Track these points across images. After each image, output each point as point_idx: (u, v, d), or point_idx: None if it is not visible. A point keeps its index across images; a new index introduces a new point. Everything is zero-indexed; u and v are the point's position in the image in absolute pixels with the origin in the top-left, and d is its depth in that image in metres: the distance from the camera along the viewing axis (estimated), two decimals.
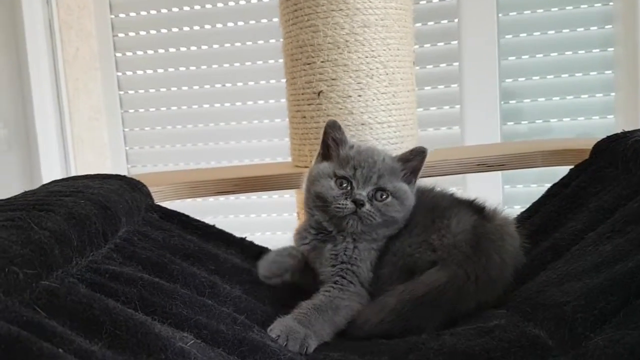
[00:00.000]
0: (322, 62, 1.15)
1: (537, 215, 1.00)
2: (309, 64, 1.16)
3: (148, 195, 1.02)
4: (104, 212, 0.77)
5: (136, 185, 0.98)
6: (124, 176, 1.02)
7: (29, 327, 0.47)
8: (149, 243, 0.83)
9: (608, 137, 1.02)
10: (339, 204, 0.89)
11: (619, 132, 1.03)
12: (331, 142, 0.96)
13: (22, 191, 2.17)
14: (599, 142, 1.03)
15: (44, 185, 0.92)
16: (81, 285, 0.59)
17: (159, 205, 1.03)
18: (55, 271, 0.59)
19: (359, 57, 1.13)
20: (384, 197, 0.91)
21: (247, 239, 1.09)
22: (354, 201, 0.89)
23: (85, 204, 0.73)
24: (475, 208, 0.92)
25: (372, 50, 1.13)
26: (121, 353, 0.52)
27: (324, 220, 0.93)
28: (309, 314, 0.82)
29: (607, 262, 0.71)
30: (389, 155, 0.97)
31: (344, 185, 0.92)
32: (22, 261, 0.53)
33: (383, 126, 1.16)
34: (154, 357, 0.53)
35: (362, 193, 0.90)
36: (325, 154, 0.98)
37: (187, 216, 1.02)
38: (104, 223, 0.75)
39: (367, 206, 0.89)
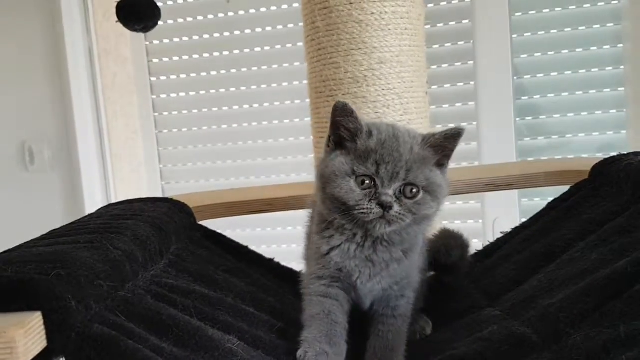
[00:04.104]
0: (343, 94, 1.28)
1: (536, 224, 1.11)
2: (331, 96, 1.29)
3: (191, 215, 1.15)
4: (159, 232, 0.90)
5: (182, 207, 1.11)
6: (171, 199, 1.15)
7: (115, 328, 0.60)
8: (195, 258, 0.96)
9: (605, 160, 1.12)
10: (364, 208, 0.78)
11: (615, 154, 1.13)
12: (345, 133, 0.82)
13: (65, 207, 2.32)
14: (596, 164, 1.13)
15: (103, 208, 1.06)
16: (148, 296, 0.72)
17: (200, 225, 1.16)
18: (127, 284, 0.72)
19: (376, 90, 1.26)
20: (415, 192, 0.79)
21: (276, 259, 1.19)
22: (380, 204, 0.77)
23: (144, 226, 0.87)
24: None
25: (388, 84, 1.26)
26: (184, 351, 0.65)
27: (347, 222, 0.82)
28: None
29: (591, 269, 0.81)
30: (418, 141, 0.82)
31: (367, 183, 0.79)
32: (105, 276, 0.66)
33: None
34: (210, 354, 0.66)
35: (389, 192, 0.78)
36: (338, 142, 0.84)
37: (224, 236, 1.15)
38: (160, 242, 0.88)
39: (396, 207, 0.78)
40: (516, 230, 1.17)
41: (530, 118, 2.17)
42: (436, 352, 0.83)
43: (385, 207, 0.77)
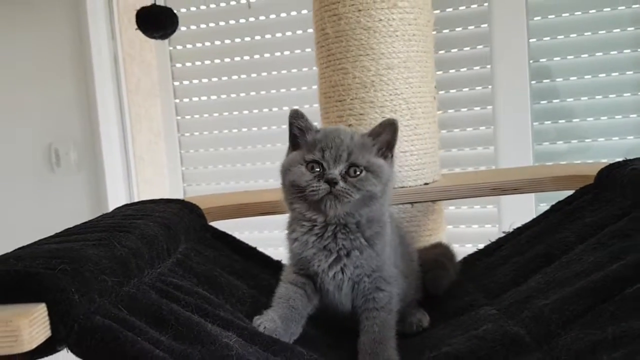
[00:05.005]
0: (351, 99, 1.30)
1: (539, 225, 1.12)
2: (340, 101, 1.32)
3: (202, 216, 1.19)
4: (167, 232, 0.94)
5: (192, 208, 1.15)
6: (183, 200, 1.19)
7: (116, 320, 0.64)
8: (202, 259, 0.99)
9: (610, 165, 1.12)
10: (313, 186, 0.88)
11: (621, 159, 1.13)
12: (297, 131, 0.96)
13: (90, 207, 2.38)
14: (602, 169, 1.13)
15: (118, 208, 1.10)
16: (152, 292, 0.76)
17: (210, 226, 1.19)
18: (133, 279, 0.76)
19: (383, 95, 1.28)
20: (358, 172, 0.90)
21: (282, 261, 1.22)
22: (327, 181, 0.88)
23: (153, 225, 0.91)
24: None
25: (396, 89, 1.28)
26: (182, 344, 0.68)
27: (305, 209, 0.92)
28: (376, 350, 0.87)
29: (587, 271, 0.82)
30: (358, 133, 0.96)
31: (316, 169, 0.90)
32: (110, 271, 0.70)
33: (406, 154, 1.30)
34: (206, 347, 0.69)
35: (334, 172, 0.89)
36: (294, 144, 0.97)
37: (234, 237, 1.18)
38: (168, 241, 0.92)
39: (341, 183, 0.88)
40: (518, 231, 1.18)
41: (549, 122, 2.16)
42: (431, 347, 0.85)
43: (331, 183, 0.88)
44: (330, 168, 0.90)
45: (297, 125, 0.96)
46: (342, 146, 0.90)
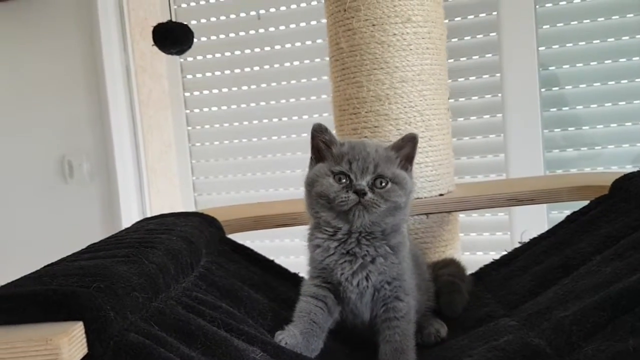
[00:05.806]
0: (366, 112, 1.32)
1: (555, 235, 1.13)
2: (354, 114, 1.34)
3: (220, 229, 1.20)
4: (190, 246, 0.95)
5: (212, 221, 1.17)
6: (201, 213, 1.21)
7: (149, 337, 0.66)
8: (223, 272, 1.01)
9: (625, 175, 1.14)
10: (342, 197, 0.90)
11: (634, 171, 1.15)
12: (321, 144, 0.98)
13: (103, 218, 2.41)
14: (616, 180, 1.14)
15: (139, 222, 1.12)
16: (179, 307, 0.77)
17: (228, 238, 1.21)
18: (160, 295, 0.78)
19: (398, 108, 1.30)
20: (384, 184, 0.92)
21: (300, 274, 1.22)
22: (356, 192, 0.90)
23: (177, 240, 0.92)
24: None
25: (410, 102, 1.29)
26: (211, 359, 0.70)
27: (331, 218, 0.94)
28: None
29: (606, 282, 0.82)
30: (382, 146, 0.98)
31: (343, 180, 0.92)
32: (140, 288, 0.72)
33: (421, 166, 1.31)
34: None
35: (362, 183, 0.91)
36: (318, 157, 0.99)
37: (252, 250, 1.20)
38: (191, 255, 0.94)
39: (369, 194, 0.90)
40: (534, 241, 1.19)
41: (559, 130, 2.17)
42: (451, 358, 0.87)
43: (359, 193, 0.90)
44: (357, 179, 0.92)
45: (322, 139, 0.98)
46: (368, 158, 0.93)
